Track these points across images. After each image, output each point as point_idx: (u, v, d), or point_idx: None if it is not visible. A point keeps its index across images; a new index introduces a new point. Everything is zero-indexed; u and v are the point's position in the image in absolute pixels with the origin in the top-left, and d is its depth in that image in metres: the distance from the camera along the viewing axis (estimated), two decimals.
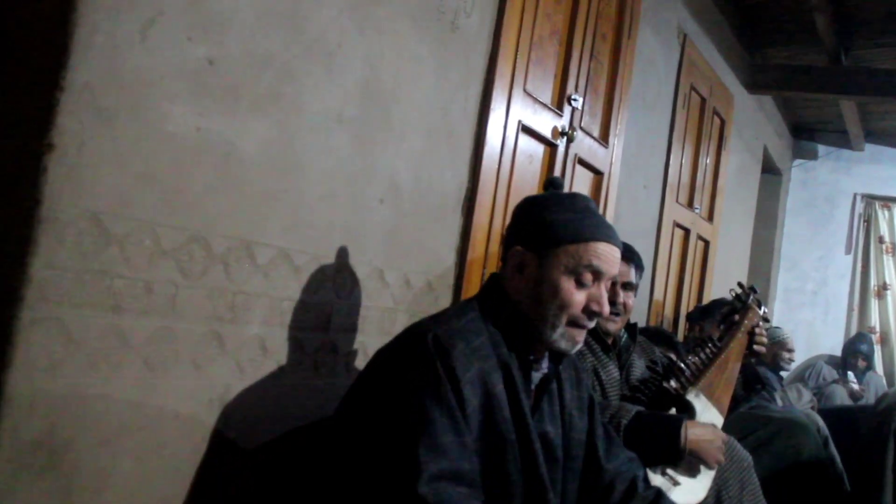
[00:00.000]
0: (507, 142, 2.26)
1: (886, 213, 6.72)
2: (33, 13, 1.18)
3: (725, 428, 2.08)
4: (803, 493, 2.85)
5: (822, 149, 6.90)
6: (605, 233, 1.38)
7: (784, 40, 4.81)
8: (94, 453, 1.21)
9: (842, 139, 6.59)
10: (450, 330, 1.28)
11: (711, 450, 1.81)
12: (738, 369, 2.15)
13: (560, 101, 2.55)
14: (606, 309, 1.39)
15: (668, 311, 3.96)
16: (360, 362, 1.76)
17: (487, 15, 2.12)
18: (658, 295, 3.75)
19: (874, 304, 6.68)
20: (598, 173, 2.89)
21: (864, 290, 6.72)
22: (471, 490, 1.20)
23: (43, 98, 1.12)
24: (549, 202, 1.42)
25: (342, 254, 1.68)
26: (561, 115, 2.55)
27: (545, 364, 1.44)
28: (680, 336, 3.85)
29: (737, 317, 2.21)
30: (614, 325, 2.14)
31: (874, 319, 6.65)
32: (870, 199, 6.74)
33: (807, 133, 6.87)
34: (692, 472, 1.84)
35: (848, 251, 6.76)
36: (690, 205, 4.09)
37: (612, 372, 2.12)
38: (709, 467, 1.85)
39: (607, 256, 1.36)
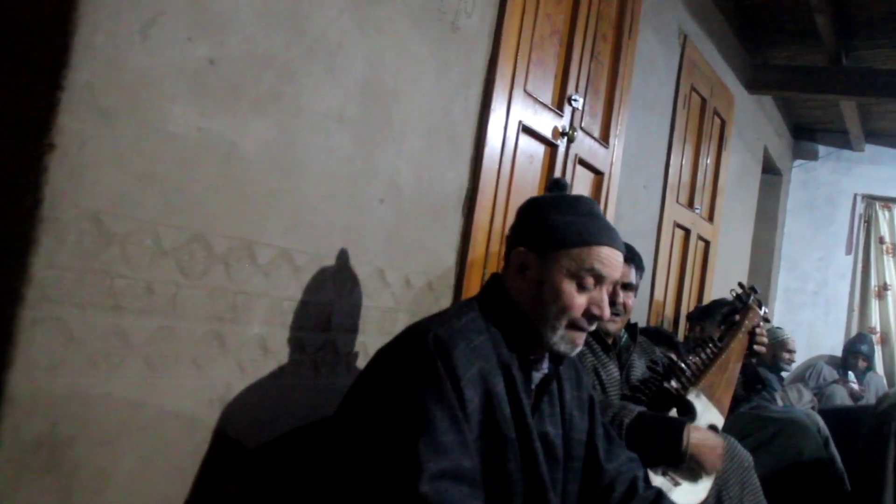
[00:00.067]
0: (507, 142, 2.26)
1: (887, 213, 6.73)
2: (34, 13, 1.18)
3: (726, 428, 2.08)
4: (804, 494, 2.85)
5: (822, 149, 6.90)
6: (608, 237, 1.38)
7: (784, 41, 4.81)
8: (95, 452, 1.22)
9: (842, 139, 6.59)
10: (450, 329, 1.28)
11: (712, 456, 1.80)
12: (738, 369, 2.15)
13: (560, 102, 2.55)
14: (607, 313, 1.39)
15: (669, 311, 3.96)
16: (361, 362, 1.76)
17: (488, 15, 2.12)
18: (658, 295, 3.75)
19: (874, 305, 6.68)
20: (598, 173, 2.89)
21: (865, 290, 6.72)
22: (472, 489, 1.20)
23: (44, 98, 1.12)
24: (553, 204, 1.42)
25: (343, 254, 1.68)
26: (561, 116, 2.55)
27: (545, 364, 1.44)
28: (680, 336, 3.85)
29: (737, 317, 2.21)
30: (614, 326, 2.14)
31: (874, 320, 6.65)
32: (870, 199, 6.74)
33: (807, 133, 6.87)
34: (693, 474, 1.84)
35: (848, 251, 6.76)
36: (691, 205, 4.09)
37: (612, 372, 2.12)
38: (707, 473, 1.84)
39: (610, 261, 1.36)
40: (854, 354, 5.95)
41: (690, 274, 4.18)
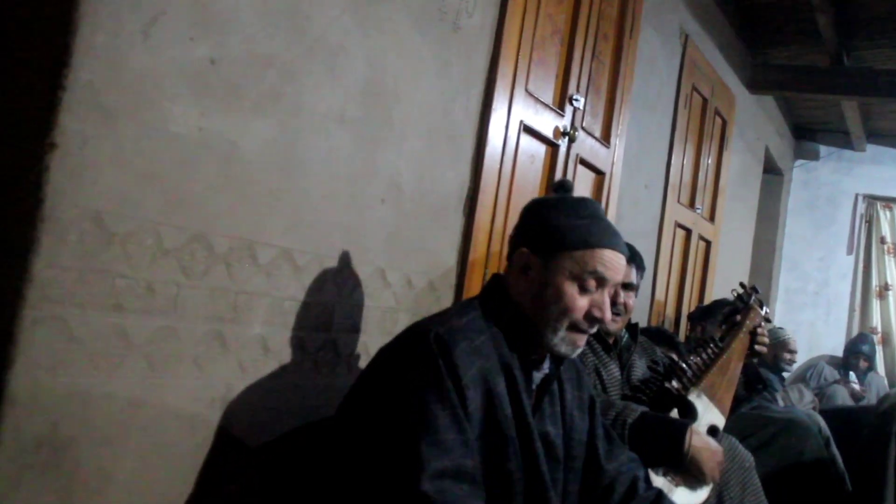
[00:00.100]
0: (508, 142, 2.26)
1: (888, 213, 6.72)
2: (36, 13, 1.18)
3: (727, 428, 2.08)
4: (805, 494, 2.85)
5: (823, 149, 6.89)
6: (611, 240, 1.38)
7: (786, 40, 4.81)
8: (96, 452, 1.22)
9: (843, 139, 6.58)
10: (451, 328, 1.29)
11: (711, 463, 1.80)
12: (739, 370, 2.15)
13: (562, 102, 2.55)
14: (608, 316, 1.39)
15: (670, 311, 3.96)
16: (362, 362, 1.76)
17: (489, 15, 2.12)
18: (659, 295, 3.74)
19: (876, 305, 6.67)
20: (599, 173, 2.89)
21: (866, 290, 6.72)
22: (473, 488, 1.20)
23: (45, 97, 1.12)
24: (557, 206, 1.42)
25: (344, 254, 1.68)
26: (562, 116, 2.55)
27: (546, 364, 1.44)
28: (681, 336, 3.85)
29: (738, 317, 2.21)
30: (615, 325, 2.14)
31: (876, 320, 6.64)
32: (871, 199, 6.74)
33: (808, 133, 6.86)
34: (692, 480, 1.83)
35: (849, 252, 6.75)
36: (692, 205, 4.09)
37: (613, 371, 2.12)
38: (704, 481, 1.83)
39: (612, 264, 1.37)
40: (855, 355, 5.94)
41: (691, 274, 4.18)
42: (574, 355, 1.41)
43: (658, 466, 1.79)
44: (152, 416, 1.30)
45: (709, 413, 1.97)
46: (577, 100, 2.60)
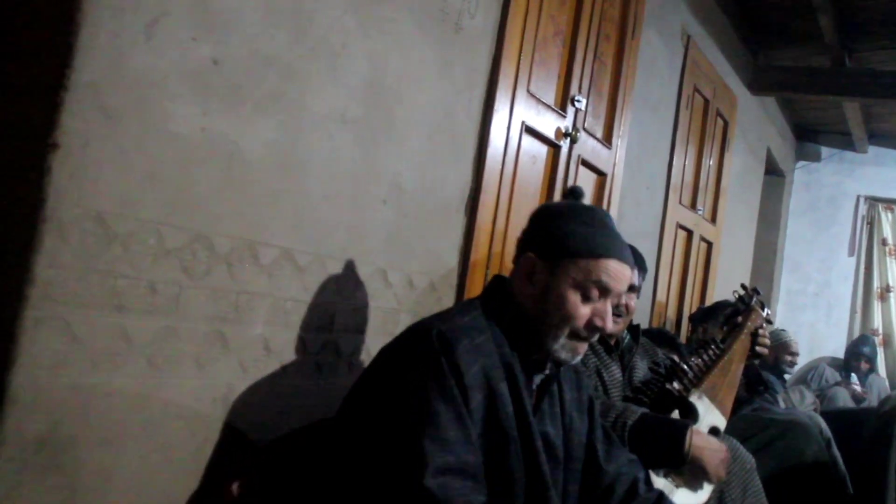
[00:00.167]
0: (510, 143, 2.26)
1: (890, 215, 6.71)
2: (38, 13, 1.18)
3: (728, 430, 2.07)
4: (806, 496, 2.85)
5: (825, 150, 6.89)
6: (617, 250, 1.38)
7: (788, 42, 4.81)
8: (97, 452, 1.22)
9: (845, 141, 6.57)
10: (454, 326, 1.29)
11: (714, 461, 1.78)
12: (741, 371, 2.15)
13: (563, 102, 2.55)
14: (610, 325, 1.40)
15: (671, 312, 3.95)
16: (363, 363, 1.76)
17: (491, 16, 2.12)
18: (661, 296, 3.74)
19: (877, 307, 6.66)
20: (601, 174, 2.89)
21: (867, 292, 6.70)
22: (476, 484, 1.21)
23: (47, 98, 1.12)
24: (566, 212, 1.42)
25: (345, 254, 1.68)
26: (564, 116, 2.55)
27: (547, 365, 1.44)
28: (682, 338, 3.85)
29: (740, 318, 2.21)
30: (617, 327, 2.14)
31: (877, 322, 6.63)
32: (873, 201, 6.73)
33: (810, 135, 6.85)
34: (694, 480, 1.83)
35: (851, 253, 6.74)
36: (693, 206, 4.09)
37: (614, 373, 2.12)
38: (709, 480, 1.83)
39: (617, 274, 1.37)
40: (856, 356, 5.93)
41: (693, 275, 4.18)
42: (574, 362, 1.42)
43: (659, 467, 1.79)
44: (153, 416, 1.30)
45: (710, 414, 1.97)
46: (578, 101, 2.60)
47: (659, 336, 2.85)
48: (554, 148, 2.53)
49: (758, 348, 2.20)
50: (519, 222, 2.30)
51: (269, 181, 1.47)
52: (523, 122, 2.31)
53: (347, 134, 1.65)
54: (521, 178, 2.34)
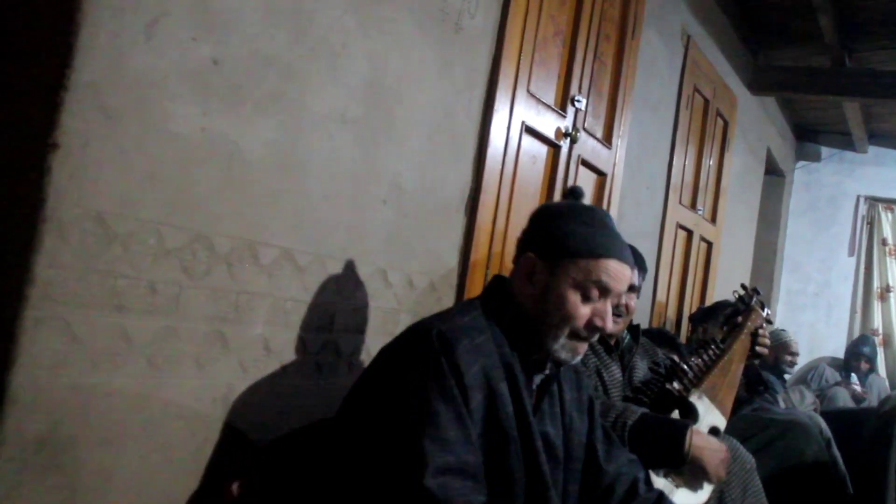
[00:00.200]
0: (510, 143, 2.26)
1: (890, 215, 6.71)
2: (38, 13, 1.18)
3: (728, 430, 2.07)
4: (806, 496, 2.85)
5: (825, 150, 6.89)
6: (617, 250, 1.38)
7: (788, 42, 4.80)
8: (97, 452, 1.22)
9: (845, 141, 6.57)
10: (454, 326, 1.29)
11: (714, 461, 1.79)
12: (741, 371, 2.15)
13: (563, 102, 2.55)
14: (609, 325, 1.40)
15: (671, 312, 3.95)
16: (363, 363, 1.76)
17: (491, 16, 2.12)
18: (661, 296, 3.74)
19: (877, 307, 6.66)
20: (601, 174, 2.89)
21: (867, 292, 6.70)
22: (476, 484, 1.21)
23: (47, 98, 1.12)
24: (565, 212, 1.42)
25: (345, 254, 1.68)
26: (564, 116, 2.55)
27: (547, 365, 1.44)
28: (682, 338, 3.85)
29: (740, 319, 2.21)
30: (617, 327, 2.14)
31: (877, 322, 6.63)
32: (873, 201, 6.73)
33: (810, 135, 6.85)
34: (694, 480, 1.83)
35: (851, 253, 6.74)
36: (693, 206, 4.09)
37: (614, 373, 2.12)
38: (709, 480, 1.83)
39: (617, 274, 1.37)
40: (856, 356, 5.93)
41: (693, 275, 4.18)
42: (573, 362, 1.42)
43: (659, 467, 1.79)
44: (153, 416, 1.30)
45: (710, 414, 1.97)
46: (578, 101, 2.60)
47: (659, 336, 2.85)
48: (554, 148, 2.53)
49: (758, 348, 2.20)
50: (519, 222, 2.30)
51: (270, 181, 1.47)
52: (523, 122, 2.31)
53: (347, 134, 1.65)
54: (521, 178, 2.34)
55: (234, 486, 1.36)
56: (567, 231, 1.37)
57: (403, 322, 1.86)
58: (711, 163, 4.29)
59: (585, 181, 2.78)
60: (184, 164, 1.30)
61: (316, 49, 1.54)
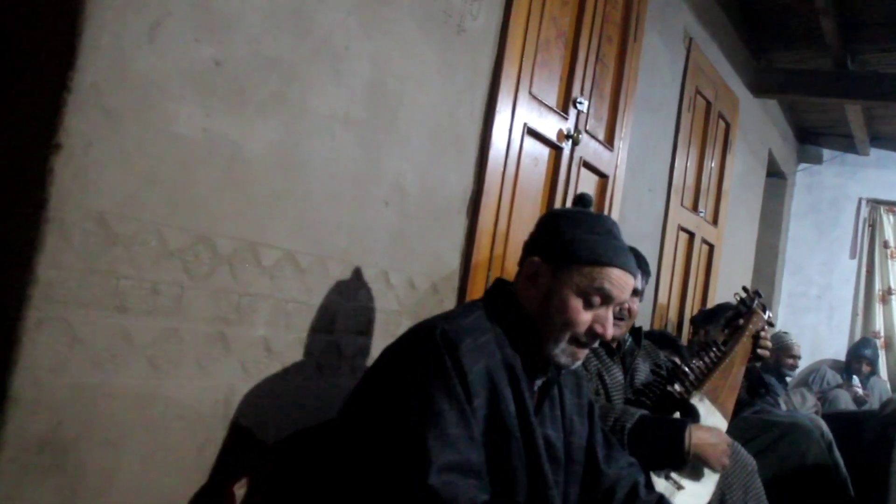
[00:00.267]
0: (512, 144, 2.26)
1: (891, 217, 6.71)
2: (40, 14, 1.18)
3: (729, 432, 2.07)
4: (807, 498, 2.84)
5: (827, 153, 6.88)
6: (622, 259, 1.38)
7: (790, 44, 4.80)
8: (99, 453, 1.22)
9: (847, 143, 6.57)
10: (457, 326, 1.30)
11: (716, 453, 1.80)
12: (742, 374, 2.14)
13: (565, 104, 2.55)
14: (610, 333, 1.40)
15: (673, 314, 3.95)
16: (365, 364, 1.76)
17: (493, 18, 2.12)
18: (662, 298, 3.74)
19: (879, 309, 6.65)
20: (602, 176, 2.89)
21: (869, 294, 6.70)
22: (479, 482, 1.21)
23: (50, 98, 1.12)
24: (572, 219, 1.43)
25: (347, 255, 1.68)
26: (566, 118, 2.55)
27: (548, 369, 1.44)
28: (684, 340, 3.85)
29: (741, 321, 2.20)
30: (619, 330, 2.14)
31: (879, 324, 6.63)
32: (875, 203, 6.72)
33: (812, 137, 6.85)
34: (696, 477, 1.84)
35: (853, 256, 6.73)
36: (695, 208, 4.09)
37: (616, 376, 2.12)
38: (714, 471, 1.84)
39: (620, 283, 1.37)
40: (858, 359, 5.92)
41: (694, 277, 4.18)
42: (573, 367, 1.42)
43: (660, 468, 1.79)
44: (155, 416, 1.30)
45: (711, 417, 1.97)
46: (580, 103, 2.60)
47: (660, 338, 2.85)
48: (556, 150, 2.53)
49: (759, 351, 2.20)
50: (520, 224, 2.31)
51: (271, 182, 1.47)
52: (525, 124, 2.31)
53: (349, 135, 1.65)
54: (522, 180, 2.34)
55: (239, 485, 1.36)
56: (573, 237, 1.38)
57: (405, 323, 1.86)
58: (713, 165, 4.29)
59: (587, 183, 2.78)
60: (186, 165, 1.30)
61: (318, 50, 1.54)
